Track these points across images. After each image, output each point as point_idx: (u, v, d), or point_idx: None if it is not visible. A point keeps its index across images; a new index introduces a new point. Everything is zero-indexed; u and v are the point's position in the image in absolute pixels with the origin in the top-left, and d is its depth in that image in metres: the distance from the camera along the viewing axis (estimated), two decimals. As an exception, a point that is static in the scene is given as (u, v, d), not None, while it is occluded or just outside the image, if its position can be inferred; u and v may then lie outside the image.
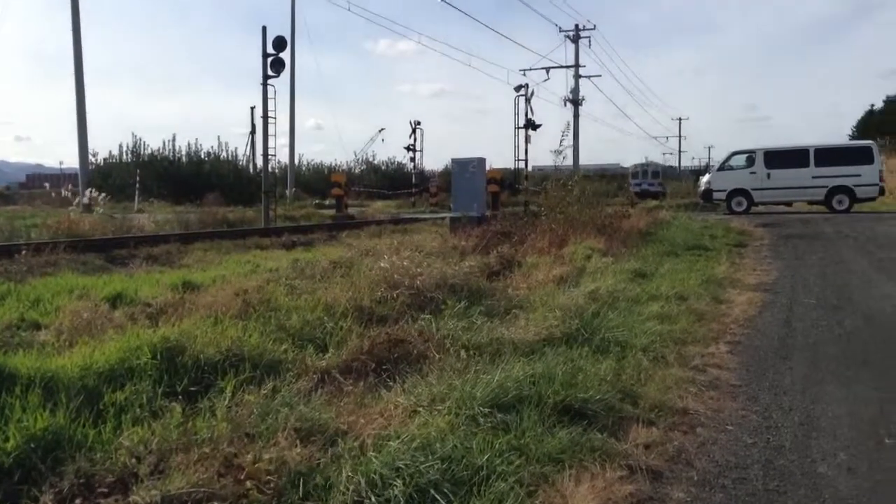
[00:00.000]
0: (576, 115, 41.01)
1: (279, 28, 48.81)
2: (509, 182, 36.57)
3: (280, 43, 20.24)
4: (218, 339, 4.46)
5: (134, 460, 3.03)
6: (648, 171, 57.83)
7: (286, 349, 4.66)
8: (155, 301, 6.30)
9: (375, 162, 58.32)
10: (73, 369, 3.89)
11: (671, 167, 72.07)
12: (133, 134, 57.62)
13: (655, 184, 53.66)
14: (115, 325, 5.33)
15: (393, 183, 49.27)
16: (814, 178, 24.15)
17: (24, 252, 10.70)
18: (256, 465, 2.87)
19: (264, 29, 19.95)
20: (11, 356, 4.22)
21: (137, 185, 30.31)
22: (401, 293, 6.24)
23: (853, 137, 48.66)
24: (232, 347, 4.35)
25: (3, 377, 3.69)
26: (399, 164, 56.10)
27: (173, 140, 40.87)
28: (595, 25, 44.56)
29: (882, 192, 24.52)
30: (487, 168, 23.52)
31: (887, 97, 50.74)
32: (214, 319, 5.08)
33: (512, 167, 38.61)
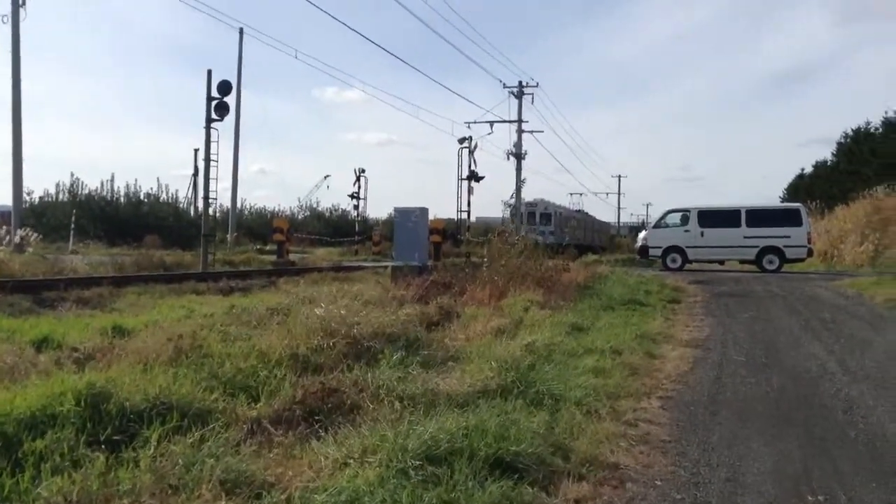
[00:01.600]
0: (518, 169, 41.70)
1: (225, 72, 48.57)
2: (452, 232, 36.85)
3: (225, 87, 20.19)
4: (146, 387, 4.35)
5: (50, 512, 2.92)
6: (536, 214, 44.55)
7: (216, 398, 4.57)
8: (83, 346, 6.12)
9: (319, 209, 58.13)
10: (-10, 416, 3.74)
11: (581, 213, 59.49)
12: (71, 173, 56.33)
13: (547, 232, 41.18)
14: (40, 370, 5.16)
15: (336, 230, 49.09)
16: (745, 237, 24.96)
17: (-54, 291, 10.29)
18: (178, 519, 2.80)
19: (209, 72, 19.91)
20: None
21: (73, 226, 29.55)
22: (337, 342, 6.19)
23: (784, 200, 50.59)
24: (160, 395, 4.24)
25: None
26: (343, 211, 56.03)
27: (112, 180, 40.12)
28: (538, 83, 45.64)
29: (810, 253, 25.47)
30: (430, 218, 23.70)
31: (816, 162, 53.00)
32: (144, 366, 4.96)
33: (455, 218, 38.96)
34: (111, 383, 4.29)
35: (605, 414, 5.30)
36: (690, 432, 5.18)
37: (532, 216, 44.32)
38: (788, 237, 24.70)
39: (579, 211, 60.06)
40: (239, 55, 40.50)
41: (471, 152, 34.67)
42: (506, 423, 4.40)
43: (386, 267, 20.23)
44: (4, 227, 25.94)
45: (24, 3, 24.78)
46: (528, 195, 43.68)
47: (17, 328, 7.51)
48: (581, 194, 71.80)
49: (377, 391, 4.91)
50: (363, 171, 44.64)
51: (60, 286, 12.72)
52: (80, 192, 38.93)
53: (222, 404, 4.49)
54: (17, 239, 22.84)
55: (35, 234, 23.60)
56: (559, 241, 37.72)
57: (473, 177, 35.25)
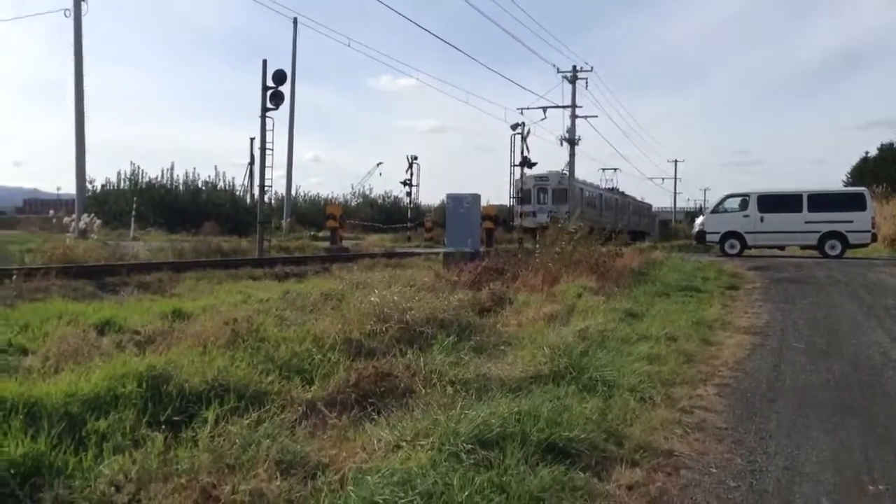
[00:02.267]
0: (572, 155, 41.25)
1: (279, 62, 49.15)
2: (504, 219, 36.70)
3: (280, 76, 20.42)
4: (204, 369, 4.45)
5: (112, 489, 3.02)
6: (548, 191, 37.59)
7: (272, 380, 4.65)
8: (143, 329, 6.29)
9: (372, 195, 58.47)
10: (58, 396, 3.88)
11: (615, 191, 51.58)
12: (132, 162, 57.84)
13: (561, 213, 32.95)
14: (102, 353, 5.31)
15: (389, 217, 49.38)
16: (807, 223, 24.31)
17: (14, 277, 10.68)
18: (234, 497, 2.86)
19: (265, 62, 20.16)
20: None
21: (133, 213, 30.34)
22: (390, 327, 6.24)
23: (848, 184, 49.01)
24: (218, 377, 4.34)
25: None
26: (395, 198, 56.28)
27: (171, 168, 41.03)
28: (592, 67, 44.92)
29: (874, 238, 24.67)
30: (483, 204, 23.66)
31: (882, 145, 51.14)
32: (202, 349, 5.08)
33: (507, 204, 38.77)
34: (171, 365, 4.41)
35: (659, 401, 5.23)
36: (747, 420, 5.08)
37: (542, 193, 37.07)
38: (851, 222, 23.96)
39: (612, 189, 50.94)
40: (293, 45, 40.98)
41: (523, 138, 34.41)
42: (558, 408, 4.38)
43: (438, 253, 20.29)
44: (69, 215, 26.79)
45: (85, -2, 25.46)
46: (583, 178, 42.88)
47: (81, 312, 7.74)
48: (615, 169, 62.67)
49: (429, 376, 4.93)
50: (415, 158, 44.82)
51: (122, 272, 13.09)
52: (140, 181, 39.94)
53: (278, 387, 4.58)
54: (81, 225, 23.55)
55: (98, 221, 24.27)
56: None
57: (526, 163, 34.99)
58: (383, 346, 5.84)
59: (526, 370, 5.39)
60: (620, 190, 53.57)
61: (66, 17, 25.88)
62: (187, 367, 4.46)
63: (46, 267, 12.08)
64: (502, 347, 6.31)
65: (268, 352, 5.26)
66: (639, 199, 59.34)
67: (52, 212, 32.35)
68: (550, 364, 5.56)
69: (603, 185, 50.34)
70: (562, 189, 37.45)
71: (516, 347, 6.33)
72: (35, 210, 54.13)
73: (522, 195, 36.37)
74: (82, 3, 26.07)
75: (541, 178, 37.67)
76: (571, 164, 41.24)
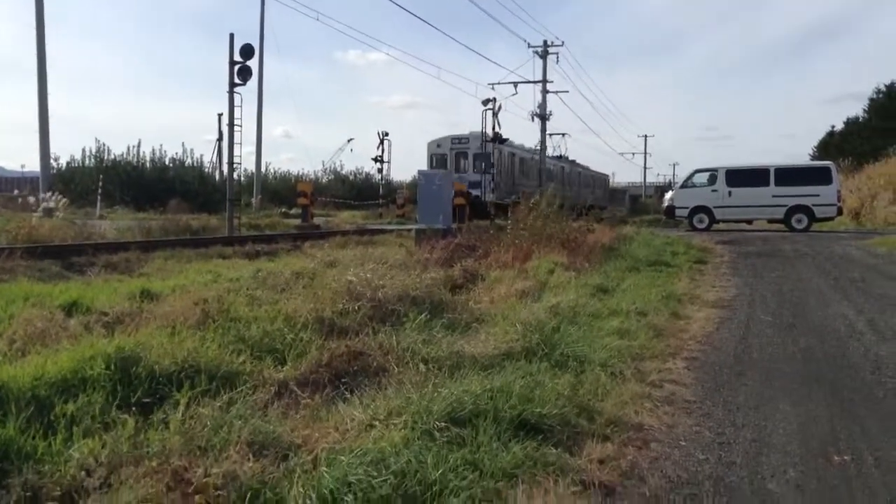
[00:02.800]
0: (543, 130, 41.26)
1: (247, 37, 48.44)
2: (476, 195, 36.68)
3: (247, 50, 20.11)
4: (174, 350, 4.41)
5: (83, 473, 2.99)
6: (468, 156, 31.38)
7: (244, 361, 4.63)
8: (112, 310, 6.20)
9: (343, 172, 58.17)
10: (25, 379, 3.82)
11: (563, 159, 45.04)
12: (96, 139, 56.74)
13: (485, 183, 29.21)
14: (70, 335, 5.24)
15: (360, 194, 49.15)
16: (774, 196, 24.65)
17: (-22, 257, 10.47)
18: (206, 480, 2.85)
19: (231, 36, 19.84)
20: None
21: (100, 191, 29.86)
22: (362, 305, 6.22)
23: (814, 158, 49.69)
24: (188, 358, 4.30)
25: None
26: (367, 174, 56.05)
27: (138, 145, 40.40)
28: (563, 42, 44.80)
29: (840, 212, 25.10)
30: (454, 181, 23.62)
31: (847, 119, 51.85)
32: (172, 330, 5.02)
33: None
34: (140, 347, 4.36)
35: (629, 375, 5.29)
36: (715, 393, 5.16)
37: (462, 158, 30.69)
38: (818, 196, 24.35)
39: (560, 157, 43.95)
40: (261, 18, 40.54)
41: (495, 114, 34.24)
42: (530, 384, 4.42)
43: (410, 230, 20.26)
44: (33, 194, 26.29)
45: (45, -31, 24.77)
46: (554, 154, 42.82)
47: (48, 293, 7.62)
48: (563, 134, 51.83)
49: (402, 354, 4.94)
50: (386, 134, 44.43)
51: (89, 251, 12.88)
52: (106, 158, 39.30)
53: (249, 367, 4.55)
54: (46, 204, 23.14)
55: (63, 200, 23.87)
56: (505, 197, 28.07)
57: (497, 138, 34.95)
58: (356, 324, 5.82)
59: (498, 347, 5.41)
60: (570, 158, 46.36)
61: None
62: (157, 348, 4.42)
63: (11, 247, 11.86)
64: (475, 325, 6.32)
65: (239, 332, 5.22)
66: (593, 169, 52.54)
67: (16, 191, 31.74)
68: (523, 341, 5.59)
69: (552, 153, 42.67)
70: (485, 154, 31.12)
71: (488, 324, 6.35)
72: (-1, 189, 53.02)
73: (436, 161, 31.23)
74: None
75: (460, 140, 31.25)
76: (543, 139, 41.29)
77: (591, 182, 50.81)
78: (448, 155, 31.72)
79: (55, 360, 4.17)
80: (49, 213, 22.32)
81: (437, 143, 31.90)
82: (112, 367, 4.07)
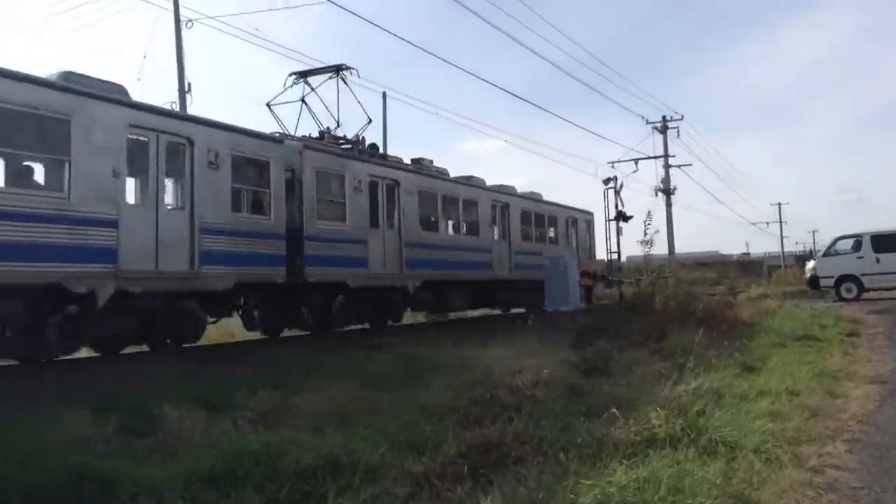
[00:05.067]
0: (668, 205, 40.46)
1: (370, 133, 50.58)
2: (602, 275, 36.12)
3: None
4: (318, 445, 4.50)
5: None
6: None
7: (383, 453, 4.66)
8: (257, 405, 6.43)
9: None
10: (178, 476, 4.00)
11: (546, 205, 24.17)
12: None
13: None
14: (219, 432, 5.46)
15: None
16: (927, 261, 22.91)
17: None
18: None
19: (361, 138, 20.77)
20: (116, 462, 4.38)
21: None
22: (498, 393, 6.19)
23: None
24: (331, 453, 4.38)
25: (106, 483, 3.83)
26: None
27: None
28: (682, 115, 44.23)
29: None
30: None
31: None
32: (315, 426, 5.15)
33: (604, 259, 38.19)
34: (285, 443, 4.49)
35: (786, 461, 4.94)
36: (884, 477, 4.73)
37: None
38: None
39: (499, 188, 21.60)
40: (383, 117, 42.17)
41: (617, 192, 34.00)
42: (679, 473, 4.20)
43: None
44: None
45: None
46: (680, 231, 41.53)
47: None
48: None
49: (540, 443, 4.84)
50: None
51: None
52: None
53: (389, 459, 4.57)
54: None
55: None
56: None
57: (622, 217, 34.54)
58: (491, 413, 5.77)
59: (640, 433, 5.20)
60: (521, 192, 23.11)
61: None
62: (301, 444, 4.53)
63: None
64: (612, 410, 6.12)
65: (378, 425, 5.28)
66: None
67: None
68: (665, 426, 5.35)
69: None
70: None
71: (627, 409, 6.13)
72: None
73: None
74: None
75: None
76: (669, 214, 40.43)
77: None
78: None
79: (206, 457, 4.34)
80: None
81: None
82: (259, 463, 4.20)
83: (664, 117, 41.00)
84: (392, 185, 15.19)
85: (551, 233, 23.64)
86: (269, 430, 5.16)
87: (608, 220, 35.23)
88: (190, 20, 20.67)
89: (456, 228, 18.44)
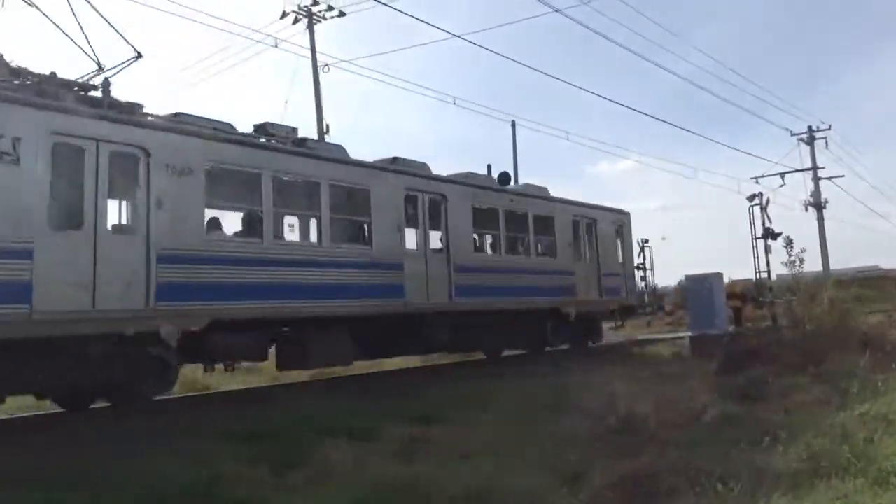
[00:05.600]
0: (820, 219, 38.19)
1: (499, 160, 51.01)
2: (751, 295, 34.45)
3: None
4: (464, 476, 4.55)
5: None
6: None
7: (530, 483, 4.64)
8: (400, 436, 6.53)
9: (604, 283, 57.45)
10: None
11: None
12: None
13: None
14: (361, 463, 5.59)
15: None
16: None
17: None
18: None
19: (489, 167, 20.92)
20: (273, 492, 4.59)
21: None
22: (646, 419, 6.04)
23: None
24: (480, 484, 4.41)
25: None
26: (629, 283, 54.83)
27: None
28: (830, 125, 41.84)
29: None
30: (725, 281, 22.39)
31: None
32: (463, 456, 5.20)
33: (752, 278, 36.42)
34: (432, 473, 4.56)
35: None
36: None
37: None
38: None
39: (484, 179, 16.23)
40: (513, 145, 42.35)
41: (763, 209, 32.49)
42: (849, 507, 3.94)
43: (683, 338, 19.43)
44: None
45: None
46: (837, 245, 39.02)
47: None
48: None
49: (696, 473, 4.66)
50: (646, 241, 43.79)
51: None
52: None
53: (538, 490, 4.55)
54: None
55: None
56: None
57: (769, 234, 32.94)
58: (641, 441, 5.63)
59: (802, 462, 4.92)
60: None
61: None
62: (448, 474, 4.59)
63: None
64: (770, 438, 5.82)
65: (526, 455, 5.27)
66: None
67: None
68: (830, 455, 5.04)
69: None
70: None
71: (786, 437, 5.81)
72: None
73: None
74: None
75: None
76: (821, 229, 38.17)
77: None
78: None
79: (353, 488, 4.45)
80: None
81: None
82: (408, 493, 4.28)
83: (810, 127, 38.87)
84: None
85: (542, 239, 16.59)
86: (415, 460, 5.24)
87: (755, 238, 33.69)
88: (326, 65, 21.73)
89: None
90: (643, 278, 43.73)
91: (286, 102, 35.11)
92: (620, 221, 20.05)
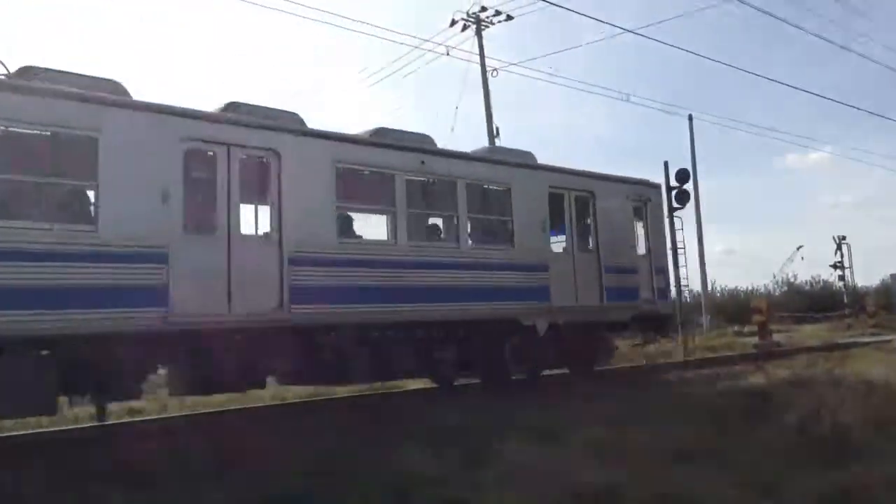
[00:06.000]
0: None
1: (675, 157, 49.11)
2: None
3: (683, 175, 20.34)
4: (658, 482, 4.40)
5: None
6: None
7: (728, 495, 4.40)
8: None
9: (796, 282, 53.76)
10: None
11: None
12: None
13: None
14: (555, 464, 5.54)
15: (817, 304, 44.88)
16: None
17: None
18: None
19: (665, 164, 20.29)
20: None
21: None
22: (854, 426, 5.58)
23: None
24: (672, 491, 4.25)
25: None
26: (824, 282, 50.96)
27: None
28: None
29: None
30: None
31: None
32: (649, 461, 5.04)
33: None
34: (623, 479, 4.44)
35: None
36: None
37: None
38: None
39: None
40: (691, 140, 40.76)
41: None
42: None
43: (889, 341, 17.81)
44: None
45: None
46: None
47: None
48: None
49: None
50: (843, 237, 40.65)
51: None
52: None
53: (734, 498, 4.31)
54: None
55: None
56: None
57: None
58: (850, 450, 5.20)
59: None
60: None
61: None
62: (641, 480, 4.46)
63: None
64: None
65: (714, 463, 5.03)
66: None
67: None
68: None
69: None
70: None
71: None
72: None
73: None
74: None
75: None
76: None
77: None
78: None
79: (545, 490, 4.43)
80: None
81: None
82: (598, 498, 4.20)
83: None
84: None
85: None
86: (605, 464, 5.13)
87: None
88: (494, 69, 21.94)
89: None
90: (841, 277, 40.46)
91: (456, 108, 35.70)
92: (642, 197, 14.46)
